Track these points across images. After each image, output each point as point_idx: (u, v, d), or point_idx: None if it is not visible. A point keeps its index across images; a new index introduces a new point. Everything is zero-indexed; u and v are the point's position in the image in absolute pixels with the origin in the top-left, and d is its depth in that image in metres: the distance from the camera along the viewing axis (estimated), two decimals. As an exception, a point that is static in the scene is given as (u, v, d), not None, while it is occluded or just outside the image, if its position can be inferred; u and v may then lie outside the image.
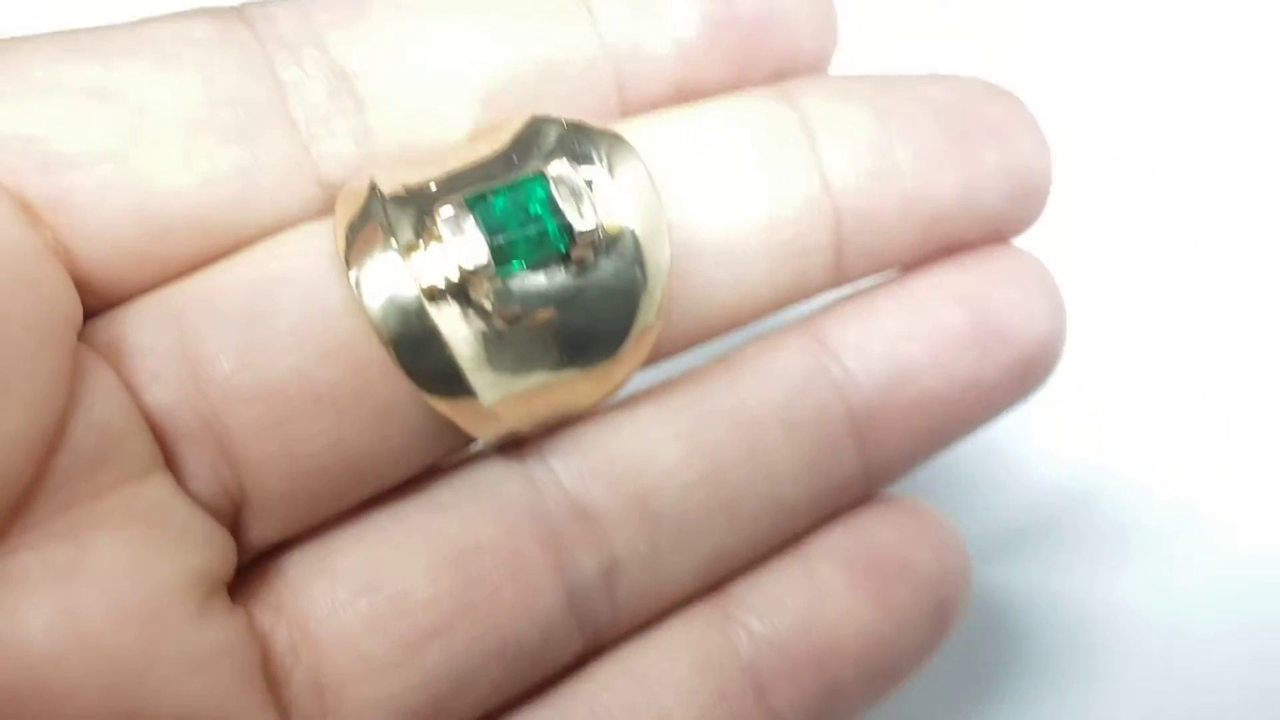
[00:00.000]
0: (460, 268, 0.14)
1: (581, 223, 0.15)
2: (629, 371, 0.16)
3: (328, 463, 0.15)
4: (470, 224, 0.14)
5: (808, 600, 0.17)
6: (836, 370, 0.17)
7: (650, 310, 0.15)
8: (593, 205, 0.15)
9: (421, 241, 0.15)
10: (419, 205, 0.15)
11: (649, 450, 0.17)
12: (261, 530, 0.15)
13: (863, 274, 0.18)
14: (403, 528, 0.16)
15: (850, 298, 0.18)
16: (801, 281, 0.17)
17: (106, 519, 0.14)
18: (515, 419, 0.16)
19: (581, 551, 0.16)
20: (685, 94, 0.17)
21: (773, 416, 0.17)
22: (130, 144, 0.14)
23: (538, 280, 0.15)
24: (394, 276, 0.15)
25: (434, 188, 0.15)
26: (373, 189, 0.15)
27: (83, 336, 0.14)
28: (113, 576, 0.14)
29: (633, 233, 0.15)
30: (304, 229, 0.15)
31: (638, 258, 0.15)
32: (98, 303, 0.15)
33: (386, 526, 0.16)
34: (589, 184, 0.15)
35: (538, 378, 0.15)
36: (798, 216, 0.17)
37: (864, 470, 0.18)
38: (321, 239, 0.15)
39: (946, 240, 0.18)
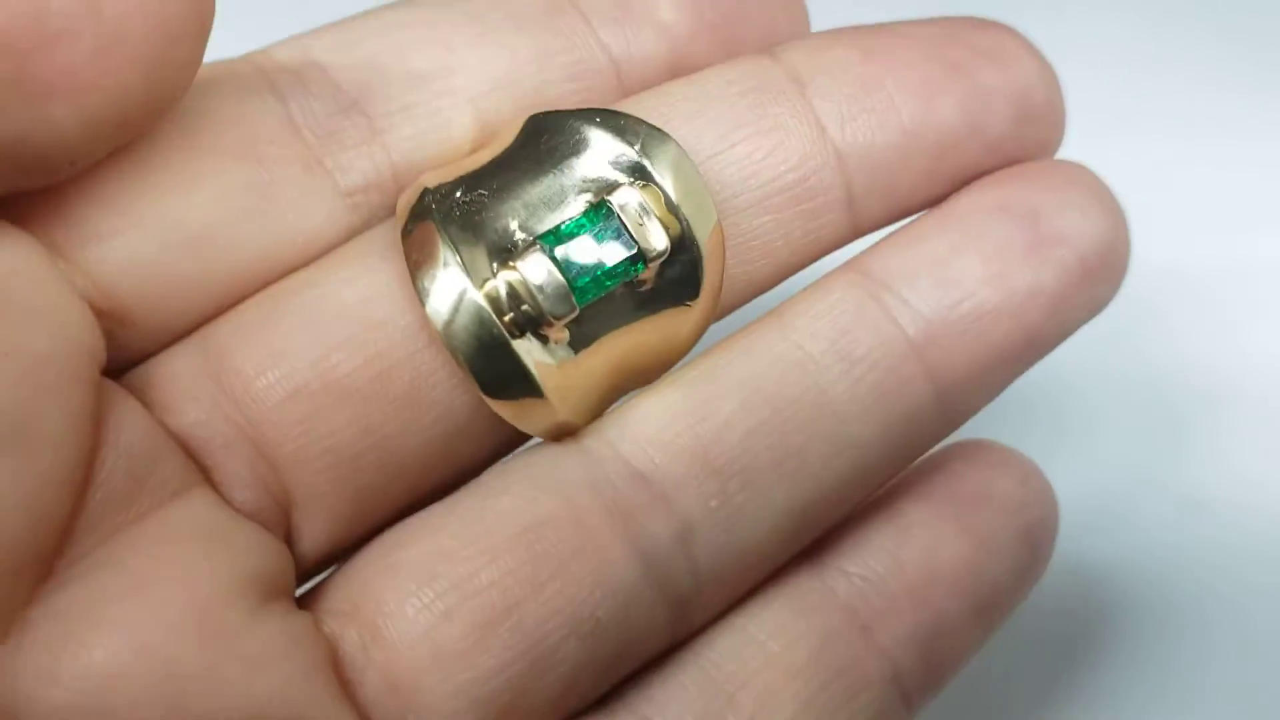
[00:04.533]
0: (549, 314, 0.15)
1: (654, 248, 0.15)
2: (692, 343, 0.16)
3: (363, 452, 0.15)
4: (552, 272, 0.15)
5: (895, 537, 0.17)
6: (888, 298, 0.17)
7: (709, 296, 0.16)
8: (660, 226, 0.15)
9: (493, 268, 0.15)
10: (483, 222, 0.15)
11: (704, 405, 0.16)
12: (315, 533, 0.16)
13: (880, 221, 0.17)
14: (459, 513, 0.16)
15: (893, 232, 0.18)
16: (815, 232, 0.17)
17: (150, 540, 0.14)
18: (579, 418, 0.16)
19: (649, 517, 0.16)
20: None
21: (828, 353, 0.16)
22: (139, 173, 0.15)
23: (612, 307, 0.16)
24: (460, 295, 0.15)
25: (490, 195, 0.15)
26: (424, 198, 0.15)
27: (121, 383, 0.15)
28: (163, 592, 0.14)
29: (687, 224, 0.16)
30: (328, 256, 0.16)
31: (695, 253, 0.16)
32: (138, 337, 0.15)
33: (444, 516, 0.16)
34: (643, 203, 0.15)
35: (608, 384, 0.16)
36: (799, 162, 0.17)
37: (937, 399, 0.17)
38: (344, 252, 0.16)
39: (959, 173, 0.17)
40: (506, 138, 0.16)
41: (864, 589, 0.17)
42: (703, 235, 0.16)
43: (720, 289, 0.16)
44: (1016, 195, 0.17)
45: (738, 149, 0.17)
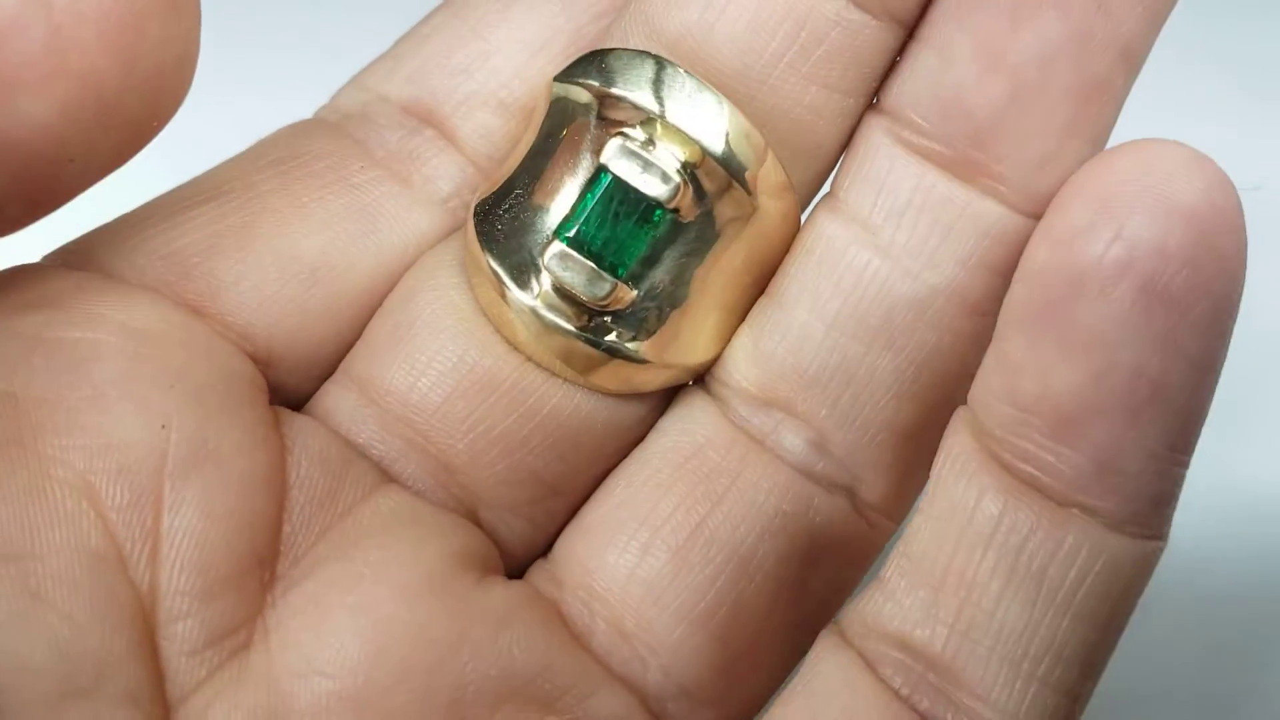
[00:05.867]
0: (596, 300, 0.15)
1: (662, 188, 0.15)
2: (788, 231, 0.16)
3: (529, 436, 0.16)
4: (574, 260, 0.15)
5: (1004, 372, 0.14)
6: (904, 131, 0.15)
7: (771, 185, 0.15)
8: (661, 164, 0.15)
9: (544, 285, 0.15)
10: (524, 227, 0.16)
11: (782, 321, 0.16)
12: (510, 527, 0.16)
13: None
14: (627, 469, 0.16)
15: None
16: (850, 51, 0.15)
17: (364, 529, 0.15)
18: (702, 356, 0.16)
19: (781, 434, 0.16)
20: None
21: (874, 213, 0.15)
22: (245, 217, 0.16)
23: (664, 254, 0.16)
24: (526, 316, 0.16)
25: (525, 193, 0.16)
26: (474, 222, 0.16)
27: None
28: (394, 571, 0.14)
29: (699, 140, 0.15)
30: (421, 261, 0.17)
31: (725, 158, 0.15)
32: (291, 374, 0.16)
33: (614, 476, 0.16)
34: (646, 137, 0.15)
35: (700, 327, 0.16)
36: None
37: (998, 195, 0.15)
38: (432, 257, 0.17)
39: None
40: (541, 111, 0.16)
41: (1004, 427, 0.14)
42: (727, 135, 0.15)
43: (780, 170, 0.15)
44: None
45: (726, 14, 0.15)
